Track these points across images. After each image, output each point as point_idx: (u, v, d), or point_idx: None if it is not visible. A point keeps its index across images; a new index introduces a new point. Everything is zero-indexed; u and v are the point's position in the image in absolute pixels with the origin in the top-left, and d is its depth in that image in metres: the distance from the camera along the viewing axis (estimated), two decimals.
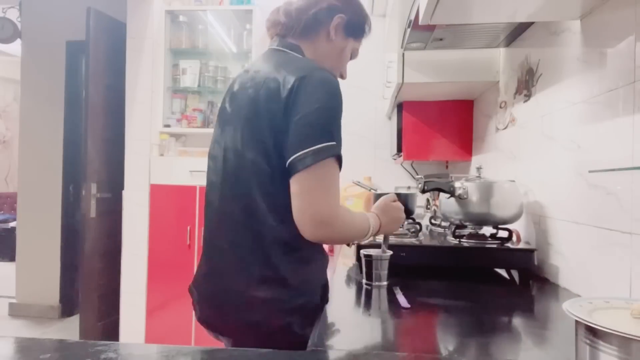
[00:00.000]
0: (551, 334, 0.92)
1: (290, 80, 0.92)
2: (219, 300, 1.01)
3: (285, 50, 1.05)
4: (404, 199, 1.66)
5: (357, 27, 1.11)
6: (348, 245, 1.62)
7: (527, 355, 0.83)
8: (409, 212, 1.69)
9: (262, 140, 0.93)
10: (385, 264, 1.25)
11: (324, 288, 1.04)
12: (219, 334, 1.04)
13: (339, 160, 0.92)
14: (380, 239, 1.28)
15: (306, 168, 0.87)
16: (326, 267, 1.10)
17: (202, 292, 1.05)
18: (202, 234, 1.10)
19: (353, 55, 1.16)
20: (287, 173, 0.90)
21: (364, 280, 1.27)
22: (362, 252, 1.26)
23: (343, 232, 0.94)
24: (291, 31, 1.06)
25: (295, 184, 0.89)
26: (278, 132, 0.91)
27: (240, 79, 1.06)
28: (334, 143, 0.89)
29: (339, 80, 1.07)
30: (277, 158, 0.92)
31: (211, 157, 1.09)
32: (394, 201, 1.15)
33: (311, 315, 0.98)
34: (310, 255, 1.01)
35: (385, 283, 1.24)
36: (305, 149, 0.87)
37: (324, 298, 1.04)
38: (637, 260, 0.94)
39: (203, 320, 1.05)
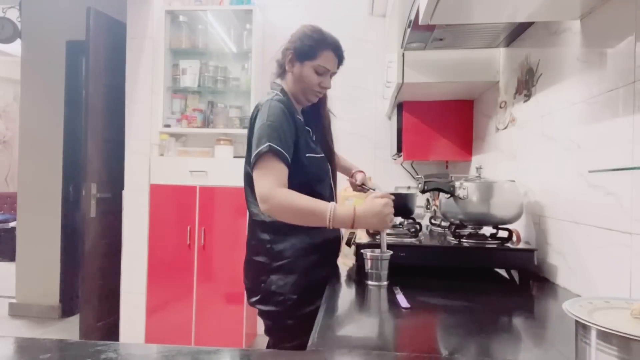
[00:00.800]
0: (551, 334, 0.92)
1: (255, 110, 1.38)
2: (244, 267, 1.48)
3: (271, 89, 1.46)
4: (404, 199, 1.66)
5: (305, 51, 1.39)
6: (348, 245, 1.62)
7: (527, 355, 0.83)
8: (408, 212, 1.69)
9: (249, 151, 1.36)
10: (386, 264, 1.25)
11: (310, 250, 1.37)
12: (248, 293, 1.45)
13: (276, 154, 1.25)
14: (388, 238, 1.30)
15: (254, 166, 1.28)
16: (318, 240, 1.39)
17: None
18: None
19: (320, 70, 1.41)
20: None
21: (363, 280, 1.27)
22: (362, 251, 1.26)
23: (282, 207, 1.23)
24: (276, 76, 1.48)
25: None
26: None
27: None
28: (269, 144, 1.25)
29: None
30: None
31: None
32: (382, 197, 1.26)
33: (293, 272, 1.34)
34: (286, 230, 1.33)
35: (385, 283, 1.24)
36: (253, 154, 1.28)
37: (314, 264, 1.37)
38: (637, 260, 0.94)
39: None
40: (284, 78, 1.46)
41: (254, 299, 1.39)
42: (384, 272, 1.25)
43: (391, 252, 1.26)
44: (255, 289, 1.39)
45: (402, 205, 1.66)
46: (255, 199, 1.31)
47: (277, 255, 1.36)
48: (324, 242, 1.42)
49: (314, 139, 1.47)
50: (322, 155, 1.46)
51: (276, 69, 1.48)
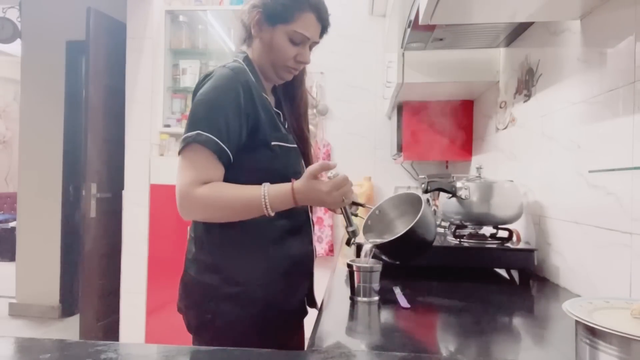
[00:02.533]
0: (551, 334, 0.92)
1: (201, 80, 1.07)
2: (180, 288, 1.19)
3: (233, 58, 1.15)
4: (413, 237, 1.10)
5: (279, 11, 1.07)
6: (348, 244, 1.61)
7: (527, 355, 0.83)
8: (422, 248, 1.16)
9: None
10: (377, 277, 1.08)
11: (274, 271, 1.07)
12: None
13: (206, 145, 0.98)
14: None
15: (179, 154, 1.02)
16: (284, 260, 1.09)
17: None
18: None
19: (296, 38, 1.08)
20: None
21: (351, 296, 1.09)
22: (349, 263, 1.09)
23: (200, 206, 0.99)
24: (241, 42, 1.16)
25: None
26: None
27: None
28: (198, 132, 0.98)
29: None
30: None
31: None
32: (327, 170, 0.99)
33: (252, 302, 1.04)
34: (252, 246, 1.05)
35: (376, 298, 1.07)
36: (181, 138, 1.01)
37: (281, 292, 1.08)
38: (637, 260, 0.94)
39: None
40: (250, 45, 1.14)
41: (198, 334, 1.11)
42: (375, 285, 1.07)
43: (382, 263, 1.10)
44: (198, 319, 1.10)
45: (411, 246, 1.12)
46: None
47: (231, 276, 1.05)
48: (293, 261, 1.12)
49: (286, 125, 1.16)
50: (294, 146, 1.14)
51: (241, 31, 1.15)
